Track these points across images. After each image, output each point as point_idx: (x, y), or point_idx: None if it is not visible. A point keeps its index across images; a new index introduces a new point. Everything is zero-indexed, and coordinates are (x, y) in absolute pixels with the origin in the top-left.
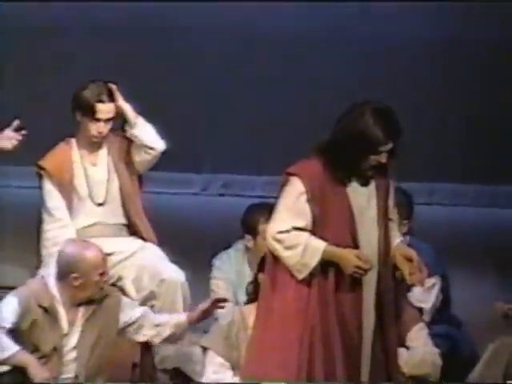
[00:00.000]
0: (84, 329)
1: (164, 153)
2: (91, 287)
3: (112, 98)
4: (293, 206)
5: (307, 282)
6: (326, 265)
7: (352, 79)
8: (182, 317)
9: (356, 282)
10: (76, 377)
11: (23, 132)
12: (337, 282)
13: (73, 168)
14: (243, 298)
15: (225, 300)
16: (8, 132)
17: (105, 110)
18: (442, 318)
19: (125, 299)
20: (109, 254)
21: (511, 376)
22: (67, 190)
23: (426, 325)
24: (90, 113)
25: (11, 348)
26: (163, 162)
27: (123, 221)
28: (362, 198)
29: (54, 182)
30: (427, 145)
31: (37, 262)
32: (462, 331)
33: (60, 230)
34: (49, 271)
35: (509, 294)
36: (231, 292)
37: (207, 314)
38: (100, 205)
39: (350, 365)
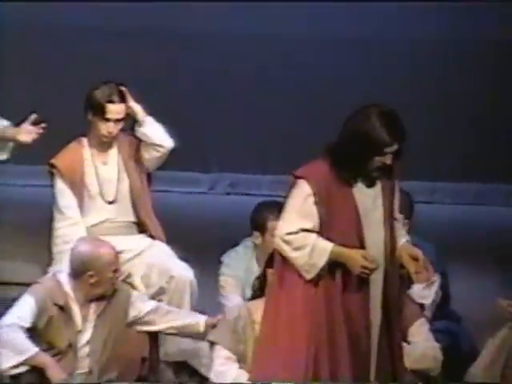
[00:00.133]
0: (96, 324)
1: (172, 153)
2: (105, 284)
3: (123, 99)
4: (300, 208)
5: (315, 282)
6: (334, 265)
7: (353, 79)
8: (200, 318)
9: (363, 282)
10: (90, 371)
11: (43, 125)
12: (344, 282)
13: (84, 166)
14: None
15: None
16: (26, 126)
17: (115, 110)
18: (442, 314)
19: (134, 293)
20: (119, 252)
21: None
22: (78, 188)
23: (427, 320)
24: (101, 113)
25: (31, 349)
26: (171, 161)
27: (132, 219)
28: (368, 199)
29: (66, 180)
30: (428, 144)
31: (48, 260)
32: (462, 326)
33: (70, 228)
34: (60, 268)
35: (509, 291)
36: (240, 288)
37: None
38: (110, 203)
39: (357, 364)
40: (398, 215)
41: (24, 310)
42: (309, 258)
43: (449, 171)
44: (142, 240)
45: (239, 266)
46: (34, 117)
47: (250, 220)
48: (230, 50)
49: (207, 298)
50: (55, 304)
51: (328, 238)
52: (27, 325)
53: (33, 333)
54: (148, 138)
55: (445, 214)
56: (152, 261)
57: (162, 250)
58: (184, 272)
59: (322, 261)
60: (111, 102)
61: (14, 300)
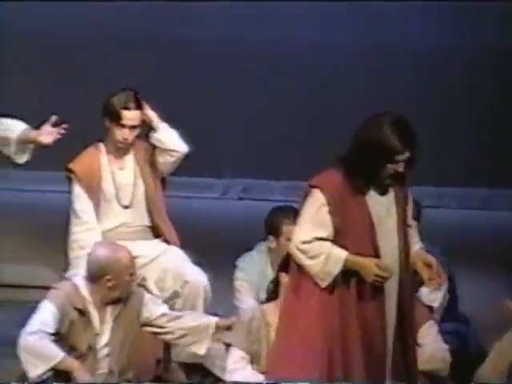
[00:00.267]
0: (113, 326)
1: (186, 159)
2: (122, 287)
3: (139, 106)
4: (315, 218)
5: (330, 289)
6: (348, 273)
7: (361, 83)
8: (211, 320)
9: (378, 289)
10: (110, 371)
11: (64, 126)
12: (358, 290)
13: (101, 171)
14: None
15: None
16: (47, 127)
17: (130, 117)
18: (450, 317)
19: (147, 295)
20: (134, 257)
21: None
22: (95, 192)
23: (436, 323)
24: (117, 119)
25: (58, 355)
26: (185, 167)
27: (148, 223)
28: (382, 207)
29: (83, 185)
30: (436, 149)
31: (64, 264)
32: (470, 328)
33: (86, 233)
34: (76, 273)
35: None
36: (254, 292)
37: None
38: (126, 207)
39: (372, 368)
40: (411, 222)
41: (46, 315)
42: (323, 265)
43: (455, 176)
44: (157, 245)
45: (253, 270)
46: (54, 118)
47: (264, 224)
48: (243, 55)
49: (220, 301)
50: (75, 308)
51: (342, 246)
52: (51, 330)
53: (56, 338)
54: (162, 143)
55: (451, 218)
56: (167, 266)
57: (177, 254)
58: (198, 277)
59: (336, 269)
60: (127, 108)
61: (31, 303)
